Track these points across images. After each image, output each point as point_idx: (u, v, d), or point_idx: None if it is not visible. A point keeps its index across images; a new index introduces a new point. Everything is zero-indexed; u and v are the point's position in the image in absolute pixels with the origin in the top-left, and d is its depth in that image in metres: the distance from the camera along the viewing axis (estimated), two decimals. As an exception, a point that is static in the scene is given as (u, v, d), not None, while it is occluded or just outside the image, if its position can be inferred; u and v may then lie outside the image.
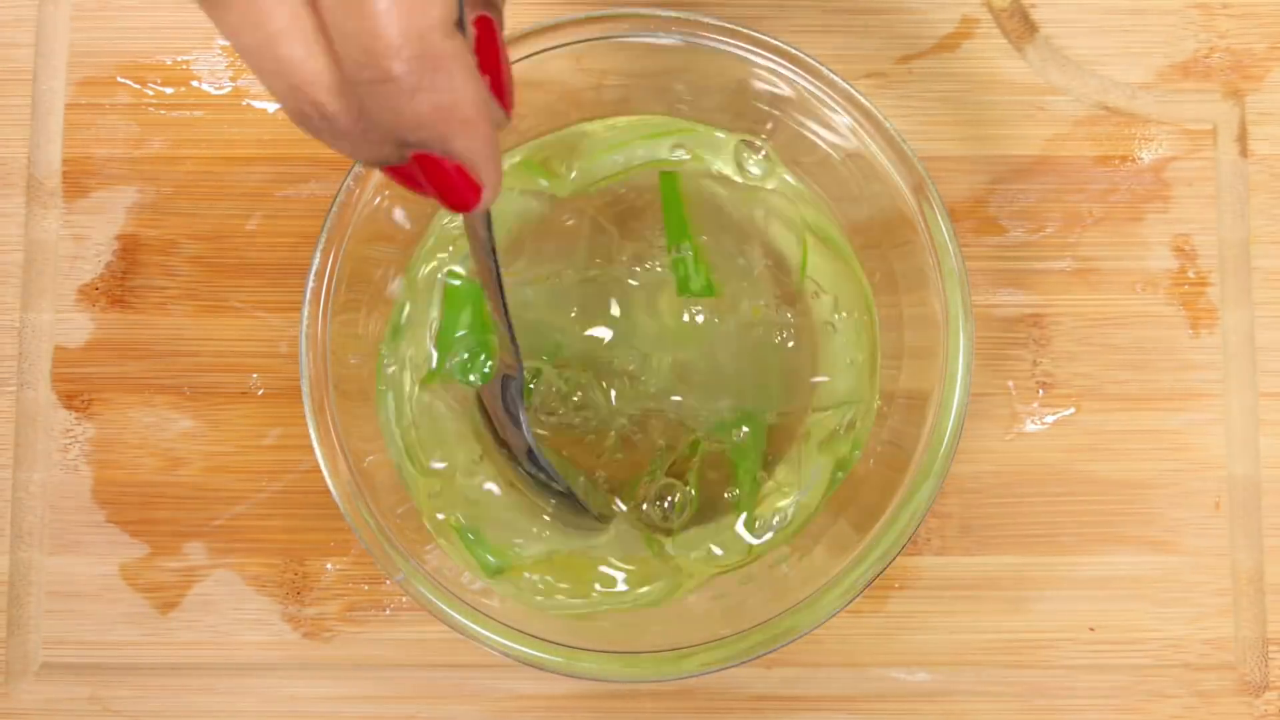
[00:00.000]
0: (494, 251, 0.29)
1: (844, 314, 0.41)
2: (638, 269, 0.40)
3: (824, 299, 0.41)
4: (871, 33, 0.44)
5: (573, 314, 0.40)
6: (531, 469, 0.37)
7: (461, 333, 0.39)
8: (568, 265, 0.40)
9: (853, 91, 0.37)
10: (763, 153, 0.41)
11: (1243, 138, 0.44)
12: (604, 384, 0.39)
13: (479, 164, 0.23)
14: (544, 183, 0.41)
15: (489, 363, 0.39)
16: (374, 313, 0.40)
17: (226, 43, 0.22)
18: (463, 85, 0.22)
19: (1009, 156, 0.44)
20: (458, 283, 0.40)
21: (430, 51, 0.21)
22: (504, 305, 0.32)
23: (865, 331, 0.40)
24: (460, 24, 0.22)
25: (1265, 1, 0.44)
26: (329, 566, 0.43)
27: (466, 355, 0.39)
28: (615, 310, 0.40)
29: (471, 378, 0.39)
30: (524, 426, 0.36)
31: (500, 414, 0.37)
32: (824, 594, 0.36)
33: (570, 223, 0.40)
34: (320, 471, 0.36)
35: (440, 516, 0.39)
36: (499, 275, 0.30)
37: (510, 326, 0.33)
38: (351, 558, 0.43)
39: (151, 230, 0.44)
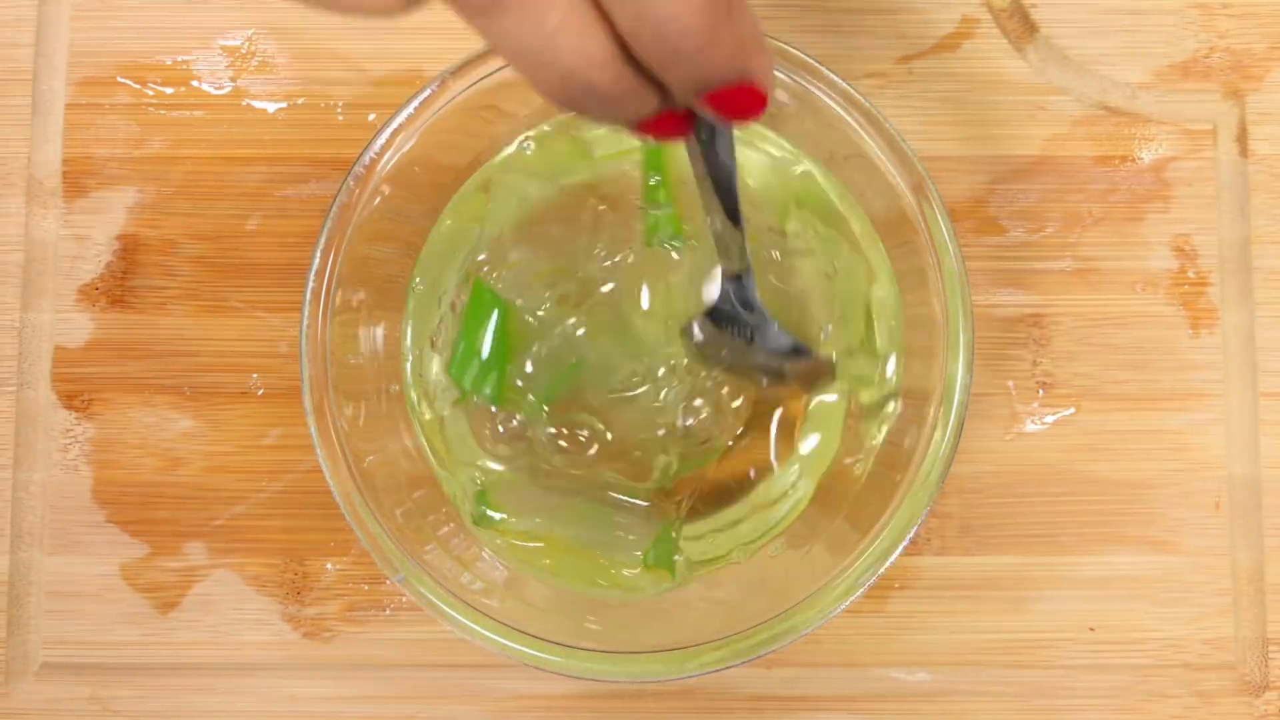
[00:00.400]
0: (733, 169, 0.31)
1: (833, 272, 0.41)
2: (618, 258, 0.40)
3: (812, 258, 0.41)
4: (871, 33, 0.44)
5: (580, 336, 0.40)
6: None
7: (483, 354, 0.40)
8: (566, 266, 0.40)
9: (853, 91, 0.37)
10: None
11: (1243, 138, 0.44)
12: (612, 414, 0.39)
13: (767, 74, 0.25)
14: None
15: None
16: (374, 313, 0.40)
17: (348, 20, 0.23)
18: (749, 12, 0.24)
19: (1009, 156, 0.44)
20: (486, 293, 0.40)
21: (720, 1, 0.23)
22: (739, 209, 0.33)
23: (857, 296, 0.40)
24: None
25: (1265, 1, 0.44)
26: (329, 566, 0.43)
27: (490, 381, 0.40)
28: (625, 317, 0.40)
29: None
30: (765, 317, 0.37)
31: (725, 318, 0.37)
32: (824, 594, 0.36)
33: (572, 211, 0.41)
34: (320, 471, 0.36)
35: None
36: (734, 183, 0.31)
37: (744, 233, 0.34)
38: (351, 558, 0.43)
39: (151, 230, 0.44)
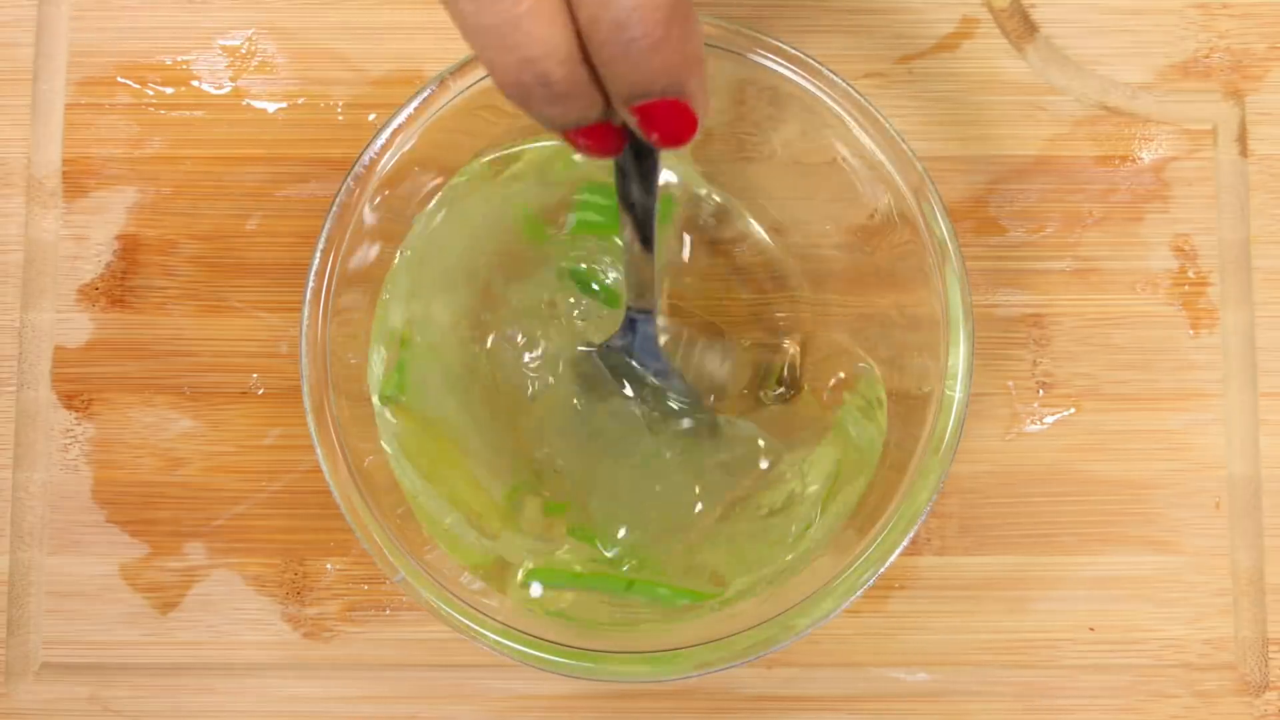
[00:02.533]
0: (655, 196, 0.31)
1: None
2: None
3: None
4: (871, 33, 0.44)
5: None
6: (670, 393, 0.38)
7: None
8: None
9: (852, 92, 0.37)
10: None
11: (1243, 138, 0.44)
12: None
13: (701, 100, 0.26)
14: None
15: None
16: (374, 313, 0.40)
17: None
18: (698, 33, 0.25)
19: (1009, 156, 0.44)
20: None
21: (684, 7, 0.24)
22: (654, 241, 0.33)
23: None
24: None
25: (1265, 1, 0.44)
26: (329, 566, 0.43)
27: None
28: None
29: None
30: (662, 360, 0.37)
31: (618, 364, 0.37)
32: (824, 594, 0.36)
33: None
34: (320, 471, 0.36)
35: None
36: (653, 216, 0.32)
37: (655, 269, 0.34)
38: (351, 558, 0.43)
39: (151, 230, 0.44)
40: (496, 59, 0.25)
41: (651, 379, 0.38)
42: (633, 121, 0.26)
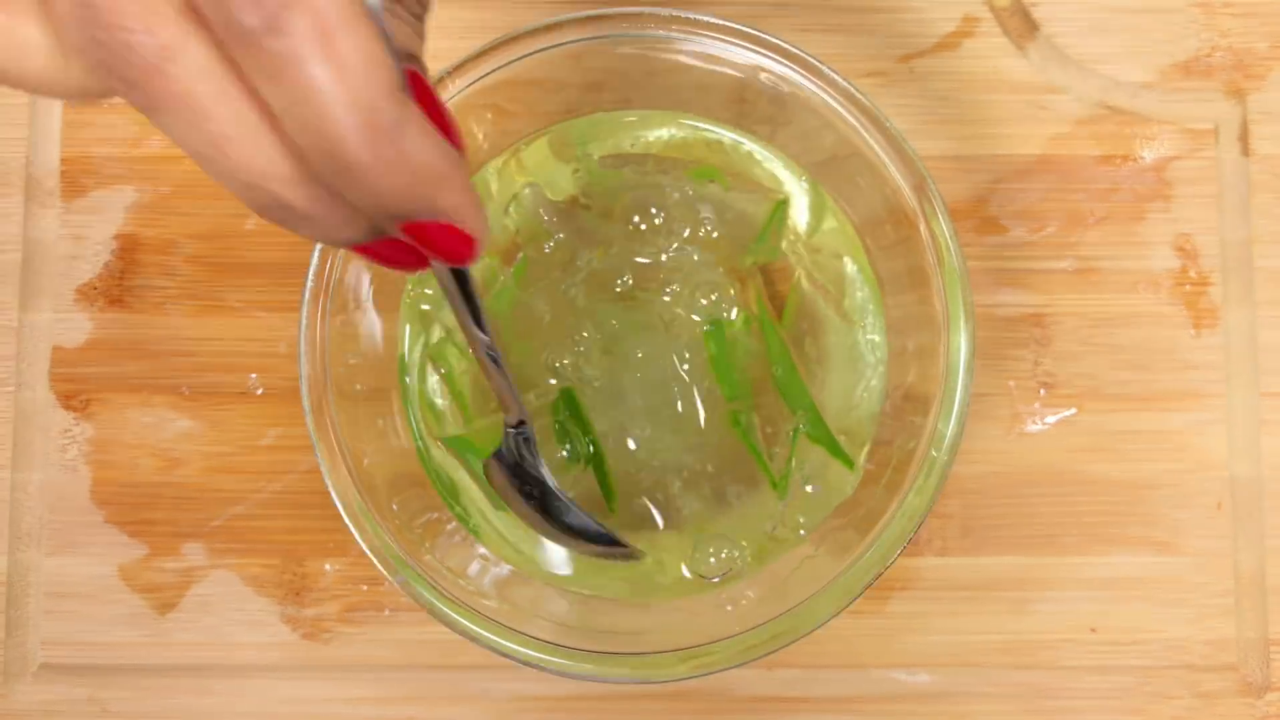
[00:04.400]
0: (479, 308, 0.29)
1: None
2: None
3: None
4: (872, 32, 0.44)
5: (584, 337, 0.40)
6: (559, 519, 0.37)
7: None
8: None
9: (853, 91, 0.37)
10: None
11: (1244, 137, 0.44)
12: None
13: (466, 215, 0.23)
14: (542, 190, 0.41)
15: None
16: (374, 313, 0.40)
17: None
18: (428, 145, 0.22)
19: (1010, 156, 0.44)
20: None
21: (386, 123, 0.21)
22: (498, 357, 0.31)
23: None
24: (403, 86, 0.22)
25: (1267, 0, 0.44)
26: (328, 567, 0.43)
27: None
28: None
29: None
30: (545, 475, 0.36)
31: (508, 477, 0.37)
32: (824, 594, 0.36)
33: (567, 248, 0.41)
34: (319, 471, 0.36)
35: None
36: (484, 326, 0.30)
37: (508, 378, 0.33)
38: (351, 558, 0.43)
39: (150, 230, 0.44)
40: (227, 184, 0.22)
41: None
42: (406, 239, 0.24)
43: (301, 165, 0.22)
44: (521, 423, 0.36)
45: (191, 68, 0.21)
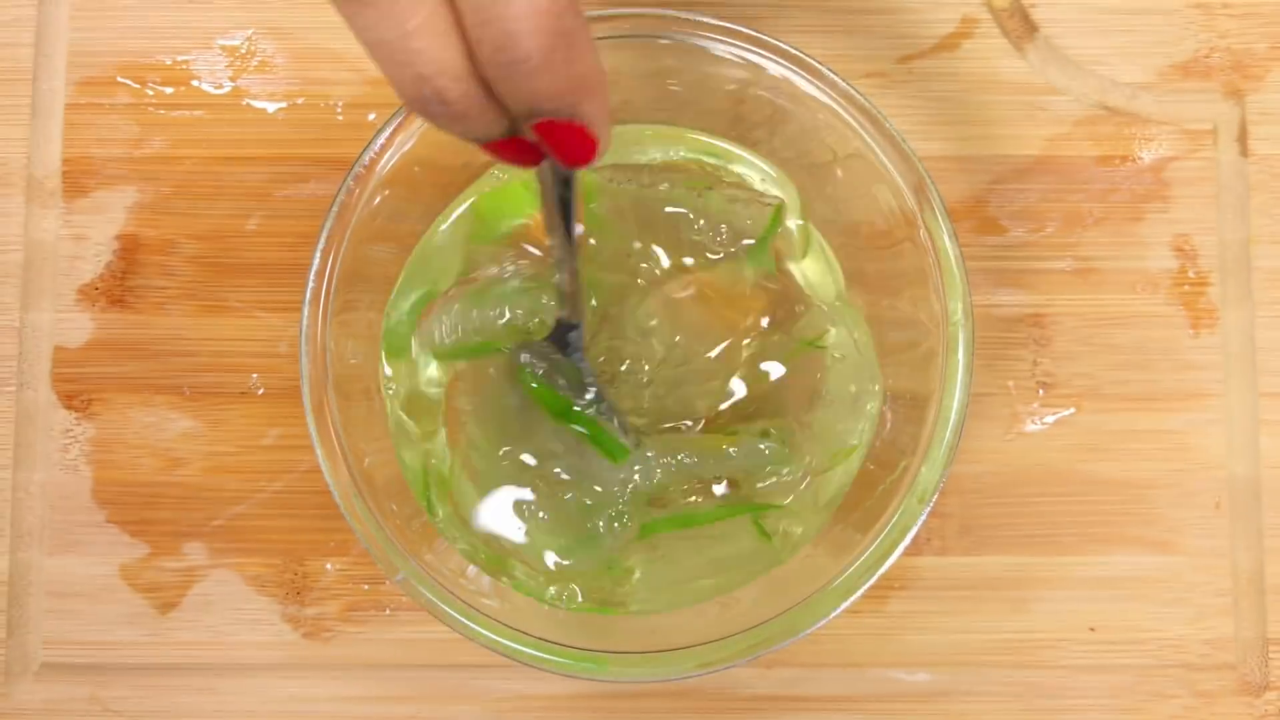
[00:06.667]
0: (574, 212, 0.31)
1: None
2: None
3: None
4: (872, 33, 0.44)
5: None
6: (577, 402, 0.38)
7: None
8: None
9: (853, 91, 0.37)
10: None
11: (1243, 137, 0.44)
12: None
13: (599, 123, 0.26)
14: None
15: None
16: (374, 312, 0.40)
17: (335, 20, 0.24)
18: (591, 55, 0.25)
19: (1009, 156, 0.44)
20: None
21: (565, 29, 0.24)
22: (575, 256, 0.33)
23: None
24: None
25: (1266, 1, 0.44)
26: (329, 566, 0.43)
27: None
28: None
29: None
30: (585, 368, 0.37)
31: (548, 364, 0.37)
32: (824, 594, 0.36)
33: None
34: (320, 471, 0.36)
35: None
36: (572, 230, 0.32)
37: (580, 281, 0.35)
38: (351, 558, 0.43)
39: (151, 230, 0.44)
40: (393, 74, 0.25)
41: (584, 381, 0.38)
42: (533, 137, 0.26)
43: (470, 63, 0.25)
44: (574, 326, 0.37)
45: None
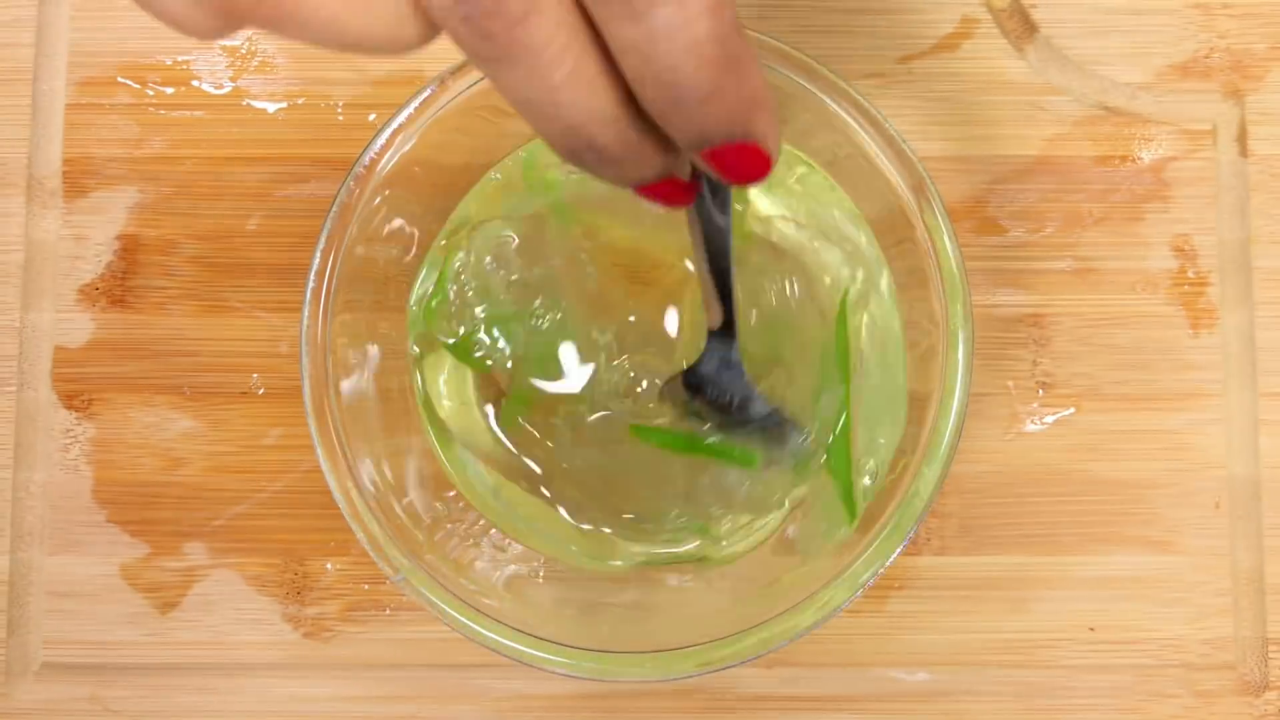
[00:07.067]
0: (729, 235, 0.31)
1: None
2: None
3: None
4: (871, 33, 0.44)
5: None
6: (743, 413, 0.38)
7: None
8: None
9: (852, 92, 0.37)
10: None
11: (1243, 138, 0.44)
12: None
13: (772, 138, 0.25)
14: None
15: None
16: (375, 312, 0.40)
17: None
18: (759, 73, 0.24)
19: (1009, 156, 0.44)
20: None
21: (732, 54, 0.23)
22: (731, 266, 0.33)
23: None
24: None
25: (1265, 1, 0.44)
26: (329, 566, 0.43)
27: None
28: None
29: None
30: (747, 385, 0.37)
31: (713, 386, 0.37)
32: (824, 594, 0.36)
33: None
34: (320, 471, 0.36)
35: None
36: (730, 264, 0.32)
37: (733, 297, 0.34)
38: (351, 558, 0.43)
39: (151, 230, 0.44)
40: (544, 129, 0.24)
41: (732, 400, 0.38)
42: (702, 165, 0.25)
43: (626, 106, 0.24)
44: (730, 341, 0.36)
45: (553, 17, 0.22)
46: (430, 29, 0.23)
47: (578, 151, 0.24)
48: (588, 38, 0.23)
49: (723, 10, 0.22)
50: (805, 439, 0.39)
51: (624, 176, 0.26)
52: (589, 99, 0.23)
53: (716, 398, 0.37)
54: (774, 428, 0.38)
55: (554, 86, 0.23)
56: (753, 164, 0.25)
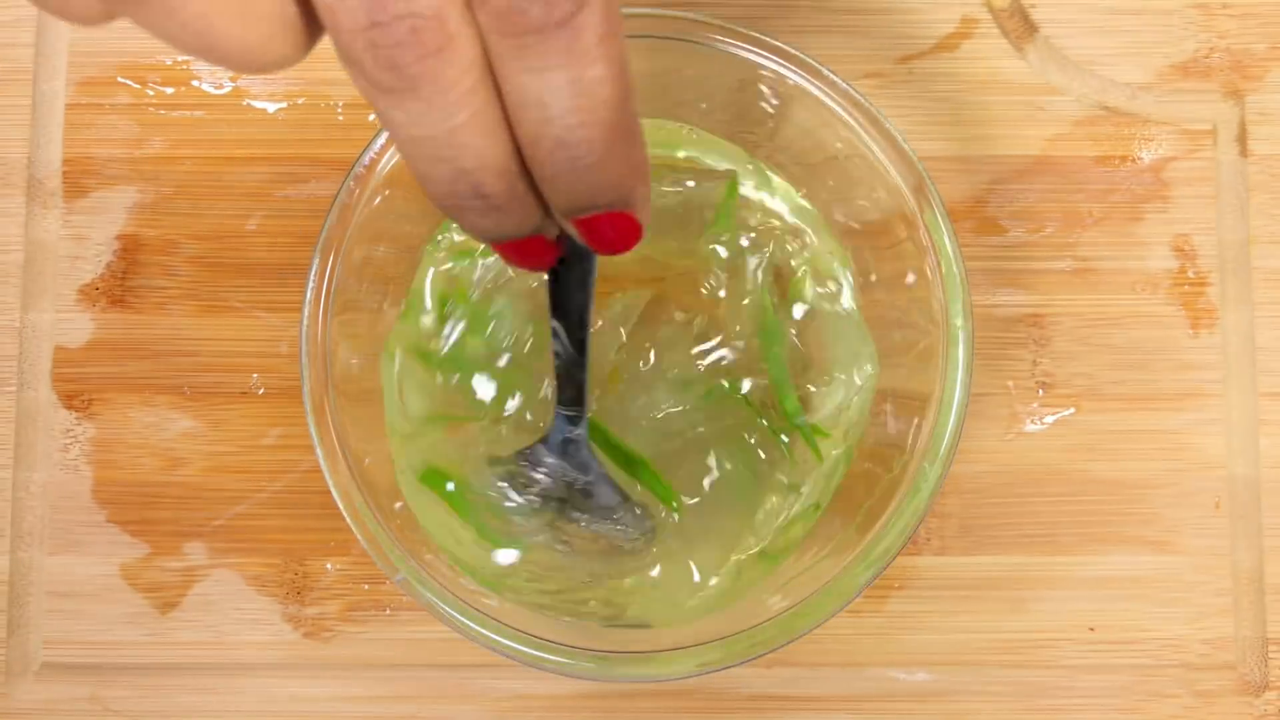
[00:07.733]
0: (590, 300, 0.30)
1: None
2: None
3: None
4: (871, 33, 0.44)
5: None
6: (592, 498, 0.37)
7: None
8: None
9: (853, 92, 0.37)
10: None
11: (1242, 138, 0.44)
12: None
13: (646, 206, 0.25)
14: None
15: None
16: (375, 312, 0.40)
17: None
18: (643, 144, 0.24)
19: (1009, 156, 0.44)
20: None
21: (628, 121, 0.23)
22: (588, 345, 0.32)
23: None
24: None
25: (1265, 1, 0.44)
26: (329, 566, 0.43)
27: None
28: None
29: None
30: (594, 461, 0.36)
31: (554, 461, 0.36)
32: (824, 594, 0.36)
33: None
34: (320, 471, 0.36)
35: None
36: (588, 327, 0.31)
37: (588, 374, 0.33)
38: (351, 558, 0.43)
39: (151, 230, 0.44)
40: (429, 170, 0.23)
41: (580, 485, 0.37)
42: (574, 232, 0.25)
43: (516, 159, 0.23)
44: (578, 419, 0.35)
45: (464, 58, 0.21)
46: (305, 48, 0.22)
47: (460, 197, 0.24)
48: (492, 85, 0.22)
49: (625, 77, 0.22)
50: (649, 529, 0.38)
51: (501, 228, 0.25)
52: (487, 144, 0.23)
53: (561, 478, 0.37)
54: (621, 516, 0.37)
55: (454, 128, 0.22)
56: (626, 233, 0.25)
